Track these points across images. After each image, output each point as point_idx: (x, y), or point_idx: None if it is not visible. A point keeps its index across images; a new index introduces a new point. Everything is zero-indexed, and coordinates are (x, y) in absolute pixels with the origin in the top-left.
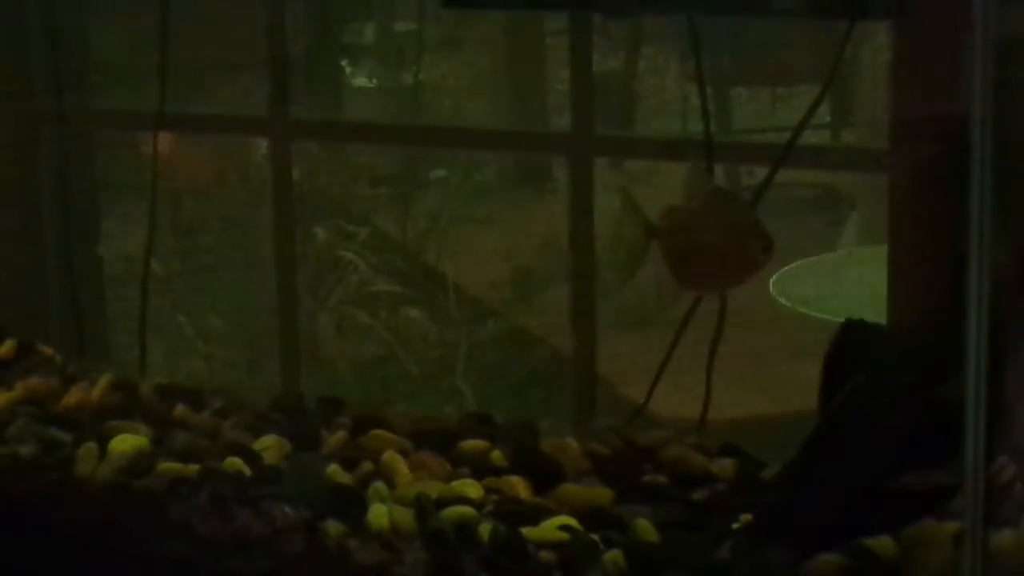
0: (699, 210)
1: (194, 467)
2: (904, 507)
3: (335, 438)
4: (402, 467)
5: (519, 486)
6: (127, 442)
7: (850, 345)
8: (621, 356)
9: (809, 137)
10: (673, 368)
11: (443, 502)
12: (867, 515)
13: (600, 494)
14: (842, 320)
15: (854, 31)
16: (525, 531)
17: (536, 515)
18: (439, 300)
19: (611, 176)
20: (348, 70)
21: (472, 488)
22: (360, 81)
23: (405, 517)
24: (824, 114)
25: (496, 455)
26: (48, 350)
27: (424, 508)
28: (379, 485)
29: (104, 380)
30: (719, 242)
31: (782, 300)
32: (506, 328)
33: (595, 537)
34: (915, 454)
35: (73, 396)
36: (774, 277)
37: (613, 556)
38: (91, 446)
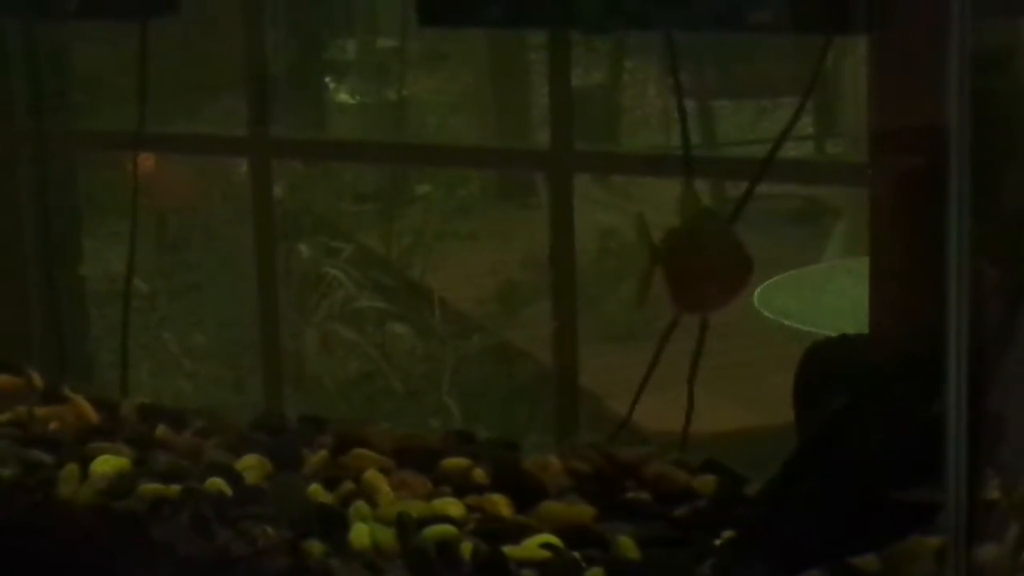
0: (687, 233)
1: (176, 488)
2: (889, 524)
3: (317, 457)
4: (384, 486)
5: (501, 504)
6: (109, 463)
7: (821, 363)
8: (607, 370)
9: (793, 149)
10: (659, 382)
11: (425, 521)
12: (851, 532)
13: (582, 512)
14: (824, 333)
15: (831, 45)
16: (507, 549)
17: (518, 533)
18: (424, 315)
19: (596, 190)
20: (331, 87)
21: (454, 506)
22: (343, 97)
23: (387, 536)
24: (808, 126)
25: (478, 473)
26: (32, 373)
27: (406, 527)
28: (361, 504)
29: (84, 401)
30: (705, 264)
31: (766, 312)
32: (492, 343)
33: (577, 555)
34: (898, 470)
35: (54, 417)
36: (758, 290)
37: (595, 574)
38: (72, 467)
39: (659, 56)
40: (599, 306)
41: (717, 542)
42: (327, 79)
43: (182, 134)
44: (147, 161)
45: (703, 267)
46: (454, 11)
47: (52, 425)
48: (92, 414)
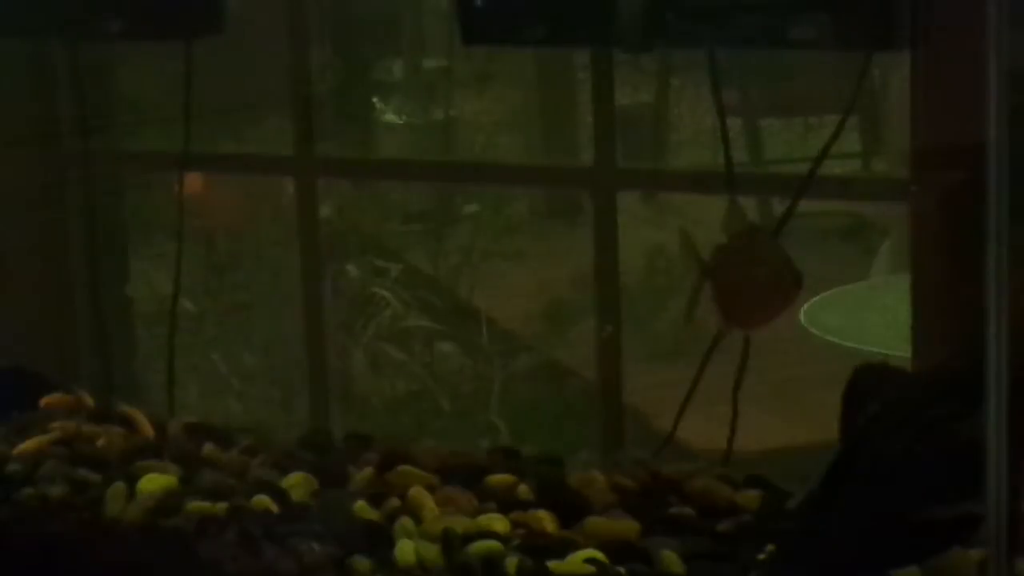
0: (735, 248)
1: (222, 505)
2: (930, 537)
3: (362, 474)
4: (429, 502)
5: (546, 520)
6: (156, 481)
7: (868, 382)
8: (654, 388)
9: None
10: (705, 399)
11: (470, 537)
12: (892, 545)
13: (626, 527)
14: (869, 349)
15: (871, 62)
16: (551, 564)
17: (562, 548)
18: (472, 335)
19: (644, 208)
20: (379, 107)
21: (499, 522)
22: (390, 118)
23: (432, 552)
24: (855, 143)
25: (523, 489)
26: (82, 392)
27: (451, 543)
28: (406, 521)
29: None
30: (753, 280)
31: (813, 329)
32: (539, 362)
33: (621, 570)
34: (939, 484)
35: (103, 435)
36: (805, 307)
37: None
38: (120, 486)
39: (705, 74)
40: (647, 324)
41: (760, 556)
42: (375, 99)
43: (228, 154)
44: (195, 182)
45: (752, 283)
46: (497, 31)
47: (100, 442)
48: (148, 427)
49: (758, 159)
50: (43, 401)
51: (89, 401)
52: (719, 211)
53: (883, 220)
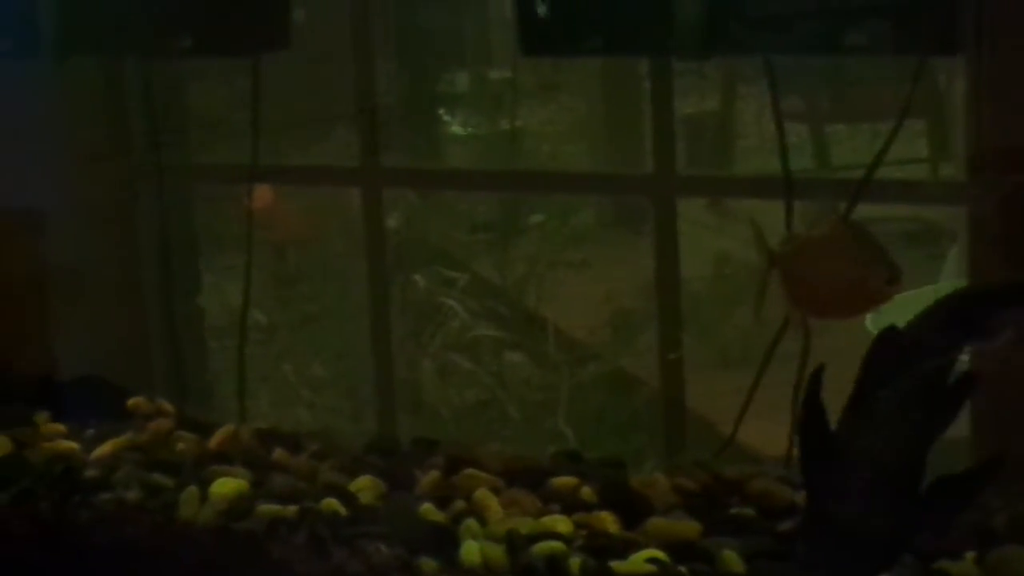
0: (824, 238)
1: (292, 508)
2: (945, 495)
3: (428, 478)
4: (494, 504)
5: (608, 520)
6: (228, 485)
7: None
8: (720, 395)
9: (908, 172)
10: (771, 404)
11: (534, 537)
12: (910, 512)
13: (688, 527)
14: None
15: (930, 67)
16: (614, 564)
17: (625, 549)
18: (540, 344)
19: (711, 216)
20: (445, 118)
21: (562, 523)
22: (456, 129)
23: (497, 553)
24: (922, 148)
25: (586, 491)
26: (164, 404)
27: (515, 544)
28: (471, 522)
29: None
30: (844, 271)
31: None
32: (607, 370)
33: (683, 569)
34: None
35: (179, 442)
36: (871, 313)
37: None
38: (193, 490)
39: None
40: (714, 332)
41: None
42: (441, 111)
43: (295, 166)
44: (265, 195)
45: (835, 274)
46: (556, 41)
47: (179, 447)
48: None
49: (825, 164)
50: (130, 402)
51: (169, 408)
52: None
53: (952, 224)
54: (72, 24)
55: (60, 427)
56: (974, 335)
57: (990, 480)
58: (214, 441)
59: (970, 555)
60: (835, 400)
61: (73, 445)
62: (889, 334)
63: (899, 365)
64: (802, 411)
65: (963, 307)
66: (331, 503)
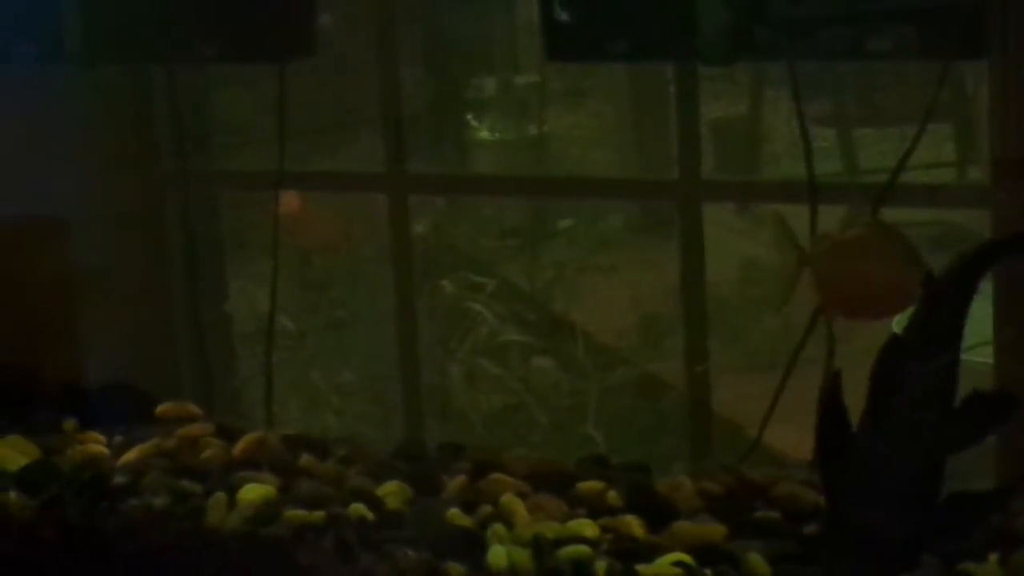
0: (858, 239)
1: (319, 514)
2: (967, 507)
3: (455, 482)
4: (520, 509)
5: (634, 525)
6: (255, 491)
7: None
8: (748, 399)
9: (935, 176)
10: (798, 407)
11: (560, 542)
12: (927, 517)
13: (713, 531)
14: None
15: (954, 72)
16: (640, 568)
17: (651, 552)
18: (568, 349)
19: (739, 220)
20: (473, 124)
21: (588, 527)
22: (484, 134)
23: (523, 557)
24: (950, 152)
25: (612, 496)
26: (193, 408)
27: (542, 548)
28: (498, 527)
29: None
30: (878, 272)
31: None
32: (636, 375)
33: (708, 572)
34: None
35: (207, 449)
36: (897, 316)
37: None
38: (220, 496)
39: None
40: (742, 336)
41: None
42: (468, 116)
43: (322, 172)
44: (293, 201)
45: (868, 275)
46: (581, 46)
47: (205, 454)
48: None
49: (852, 168)
50: (158, 409)
51: (197, 411)
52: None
53: (980, 228)
54: (99, 31)
55: (93, 434)
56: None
57: (1010, 500)
58: (238, 448)
59: (993, 557)
60: (852, 401)
61: (102, 451)
62: (895, 340)
63: (908, 370)
64: (819, 417)
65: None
66: (358, 508)
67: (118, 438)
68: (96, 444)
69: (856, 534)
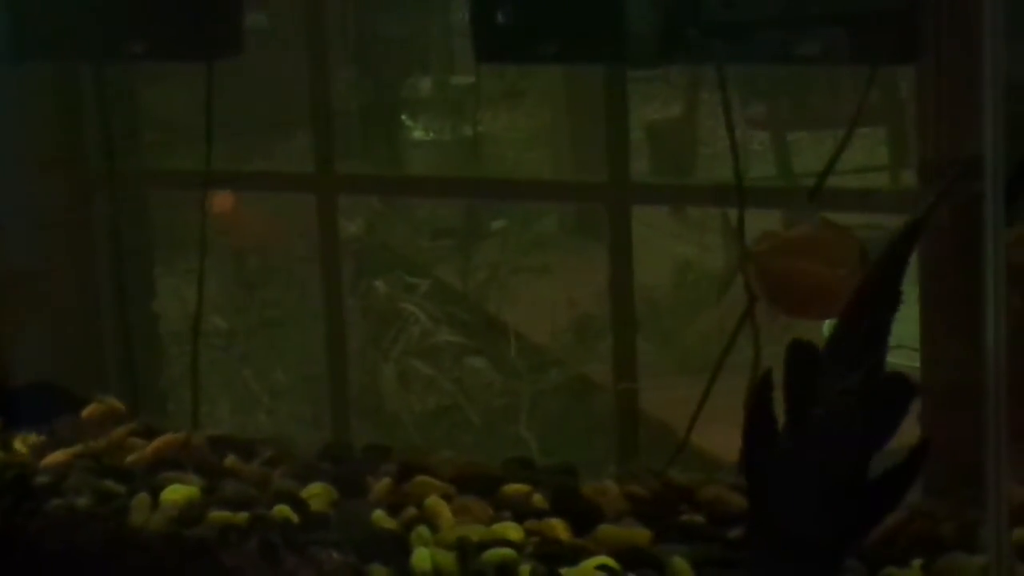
0: (806, 237)
1: (244, 515)
2: (882, 492)
3: (380, 485)
4: (445, 511)
5: (559, 528)
6: (179, 492)
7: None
8: (679, 401)
9: (868, 180)
10: (728, 409)
11: (485, 545)
12: (851, 519)
13: (638, 534)
14: None
15: (876, 77)
16: (564, 571)
17: (575, 556)
18: (501, 350)
19: (673, 223)
20: (407, 124)
21: (513, 531)
22: (419, 134)
23: (448, 560)
24: (884, 156)
25: (537, 498)
26: (117, 404)
27: (466, 551)
28: (422, 529)
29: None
30: (825, 270)
31: None
32: (569, 376)
33: None
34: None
35: (130, 449)
36: (829, 321)
37: None
38: (144, 496)
39: (735, 88)
40: (674, 339)
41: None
42: (403, 116)
43: (252, 172)
44: (226, 200)
45: (825, 272)
46: (511, 48)
47: (129, 459)
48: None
49: (786, 172)
50: (85, 411)
51: (120, 406)
52: (750, 224)
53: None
54: (25, 28)
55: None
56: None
57: (922, 466)
58: (152, 447)
59: (917, 562)
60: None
61: (24, 451)
62: (800, 343)
63: (821, 371)
64: (746, 417)
65: None
66: (283, 510)
67: (41, 438)
68: (19, 444)
69: (779, 536)
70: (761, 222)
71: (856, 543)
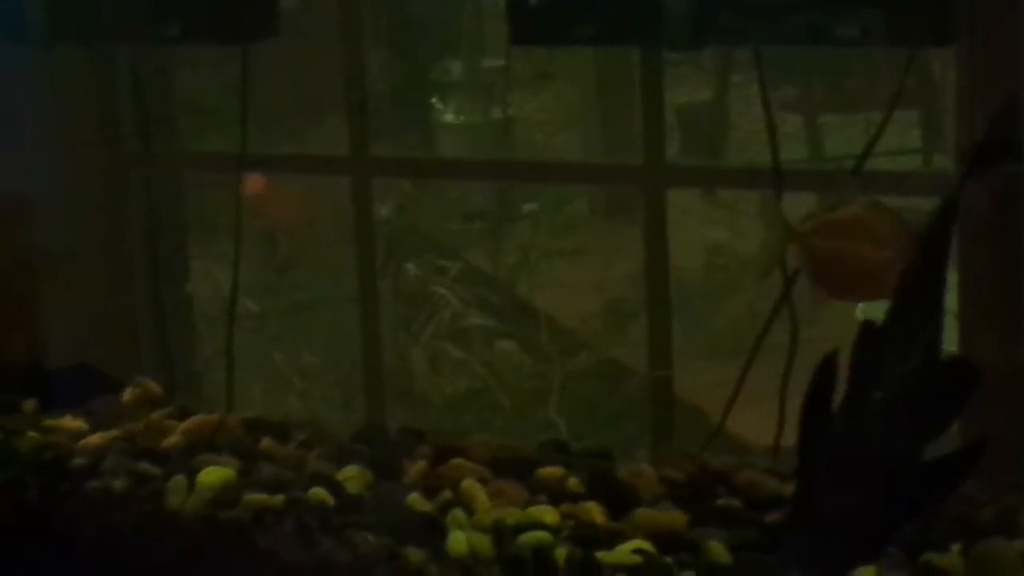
0: (851, 218)
1: (280, 498)
2: (933, 481)
3: (416, 467)
4: (481, 495)
5: (595, 511)
6: (215, 474)
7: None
8: (714, 386)
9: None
10: (762, 394)
11: (521, 528)
12: (898, 506)
13: (675, 518)
14: None
15: (920, 59)
16: (600, 555)
17: (611, 539)
18: (532, 333)
19: (706, 207)
20: (438, 107)
21: (549, 514)
22: (449, 117)
23: (484, 543)
24: (916, 139)
25: (573, 482)
26: (155, 387)
27: (502, 534)
28: (458, 512)
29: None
30: (871, 251)
31: None
32: (599, 359)
33: (669, 560)
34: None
35: (166, 432)
36: (861, 304)
37: None
38: (180, 479)
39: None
40: (707, 322)
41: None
42: (434, 100)
43: (284, 155)
44: (257, 182)
45: (871, 254)
46: (546, 30)
47: (167, 442)
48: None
49: (818, 155)
50: (124, 394)
51: (157, 389)
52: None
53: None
54: (61, 12)
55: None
56: None
57: (975, 463)
58: (180, 428)
59: (956, 547)
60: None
61: (75, 427)
62: (870, 324)
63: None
64: (806, 399)
65: None
66: (318, 493)
67: (79, 420)
68: (59, 425)
69: (825, 518)
70: (795, 205)
71: (901, 530)
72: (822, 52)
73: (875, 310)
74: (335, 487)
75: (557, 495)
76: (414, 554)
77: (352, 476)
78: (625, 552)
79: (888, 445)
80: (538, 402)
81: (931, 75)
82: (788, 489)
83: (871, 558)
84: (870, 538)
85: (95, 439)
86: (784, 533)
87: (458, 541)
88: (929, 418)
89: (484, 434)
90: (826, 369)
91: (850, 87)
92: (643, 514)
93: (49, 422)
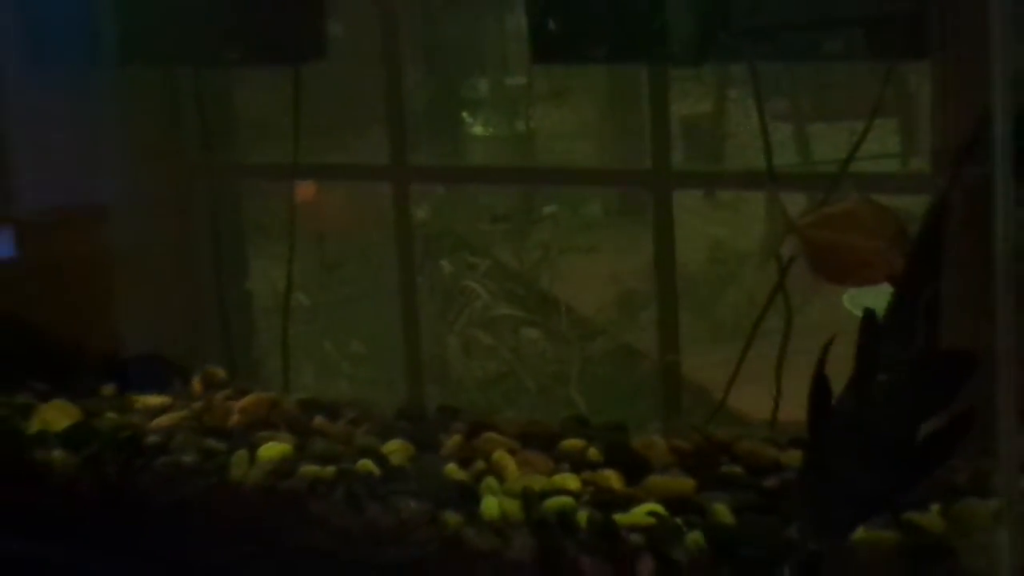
0: (847, 211)
1: (331, 469)
2: (928, 454)
3: (452, 441)
4: (510, 464)
5: (612, 478)
6: (274, 449)
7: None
8: (718, 366)
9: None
10: (760, 372)
11: (546, 494)
12: (897, 475)
13: (684, 484)
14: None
15: (898, 71)
16: (618, 517)
17: (627, 503)
18: (553, 321)
19: (707, 207)
20: (468, 120)
21: (571, 481)
22: (478, 130)
23: (513, 508)
24: (896, 145)
25: (592, 452)
26: (220, 372)
27: (530, 499)
28: (491, 480)
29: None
30: (864, 241)
31: (856, 312)
32: (614, 344)
33: (679, 521)
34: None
35: (229, 412)
36: (849, 291)
37: (695, 537)
38: (243, 453)
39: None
40: (710, 310)
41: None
42: (464, 114)
43: (332, 164)
44: (308, 190)
45: (863, 244)
46: (564, 51)
47: (231, 420)
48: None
49: (807, 160)
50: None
51: (222, 374)
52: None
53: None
54: (131, 37)
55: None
56: None
57: (966, 433)
58: (238, 406)
59: (936, 507)
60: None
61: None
62: (872, 313)
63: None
64: (813, 379)
65: None
66: (366, 464)
67: (151, 402)
68: (144, 402)
69: (830, 486)
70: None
71: (898, 497)
72: (810, 67)
73: (860, 299)
74: (380, 459)
75: (578, 464)
76: (451, 518)
77: (396, 449)
78: (640, 514)
79: (890, 421)
80: (560, 383)
81: (908, 87)
82: (785, 457)
83: (867, 519)
84: (870, 504)
85: (165, 420)
86: (793, 497)
87: (490, 506)
88: (928, 399)
89: (512, 412)
90: (824, 351)
91: (835, 98)
92: (655, 480)
93: (136, 399)
